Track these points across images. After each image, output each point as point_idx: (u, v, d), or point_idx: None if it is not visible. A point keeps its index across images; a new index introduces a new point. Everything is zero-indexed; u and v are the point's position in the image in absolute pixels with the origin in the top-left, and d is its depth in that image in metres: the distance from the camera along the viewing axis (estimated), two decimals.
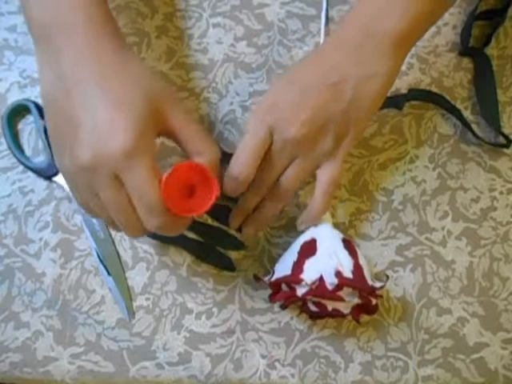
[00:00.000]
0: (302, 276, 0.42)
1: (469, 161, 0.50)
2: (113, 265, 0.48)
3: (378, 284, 0.43)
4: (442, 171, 0.50)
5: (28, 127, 0.51)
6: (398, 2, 0.41)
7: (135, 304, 0.48)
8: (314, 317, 0.46)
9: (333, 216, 0.48)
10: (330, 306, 0.43)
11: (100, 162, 0.34)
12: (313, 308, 0.44)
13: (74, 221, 0.49)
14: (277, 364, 0.47)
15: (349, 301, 0.42)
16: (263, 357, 0.47)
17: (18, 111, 0.51)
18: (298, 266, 0.43)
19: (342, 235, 0.45)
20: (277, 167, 0.43)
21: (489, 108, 0.50)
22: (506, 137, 0.49)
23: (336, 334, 0.47)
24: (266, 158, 0.43)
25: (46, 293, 0.48)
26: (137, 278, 0.48)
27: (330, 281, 0.41)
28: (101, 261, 0.48)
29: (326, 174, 0.43)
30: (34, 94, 0.52)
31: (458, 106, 0.51)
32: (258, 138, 0.42)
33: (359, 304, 0.43)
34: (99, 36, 0.37)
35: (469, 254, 0.48)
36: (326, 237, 0.45)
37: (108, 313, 0.48)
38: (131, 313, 0.47)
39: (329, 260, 0.42)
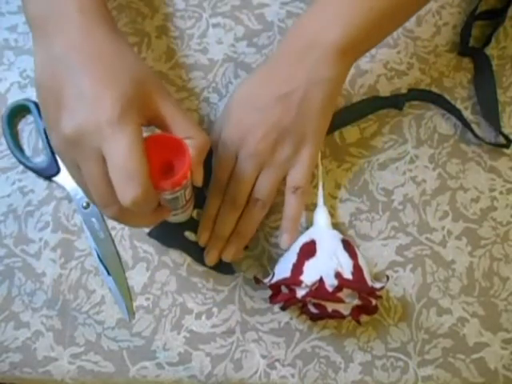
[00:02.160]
0: (302, 278, 0.42)
1: (469, 161, 0.50)
2: (113, 265, 0.48)
3: (377, 285, 0.43)
4: (442, 171, 0.50)
5: (28, 127, 0.51)
6: (342, 16, 0.43)
7: (135, 304, 0.48)
8: (314, 318, 0.46)
9: (333, 216, 0.48)
10: (330, 307, 0.43)
11: (83, 132, 0.35)
12: (313, 309, 0.44)
13: (73, 221, 0.49)
14: (277, 364, 0.47)
15: (349, 302, 0.42)
16: (263, 357, 0.47)
17: (18, 111, 0.51)
18: (297, 268, 0.43)
19: (341, 236, 0.45)
20: (245, 180, 0.45)
21: (489, 108, 0.50)
22: (506, 137, 0.49)
23: (336, 334, 0.47)
24: (234, 176, 0.46)
25: (46, 293, 0.48)
26: (137, 277, 0.48)
27: (330, 282, 0.41)
28: (101, 261, 0.48)
29: (290, 179, 0.46)
30: (34, 93, 0.52)
31: (458, 106, 0.51)
32: (225, 160, 0.46)
33: (359, 305, 0.43)
34: (91, 22, 0.38)
35: (469, 253, 0.48)
36: (326, 238, 0.45)
37: (108, 313, 0.48)
38: (131, 313, 0.47)
39: (328, 261, 0.42)
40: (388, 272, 0.48)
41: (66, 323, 0.48)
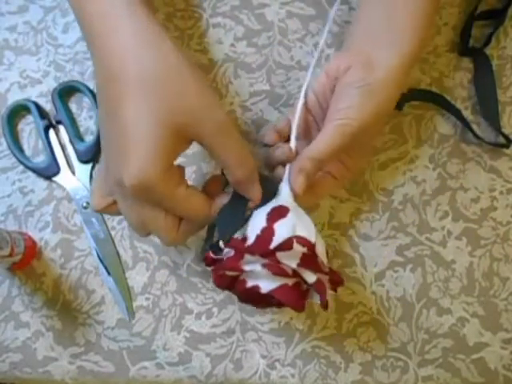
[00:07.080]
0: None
1: (469, 161, 0.50)
2: (113, 265, 0.48)
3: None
4: (442, 171, 0.50)
5: (28, 127, 0.51)
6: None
7: (135, 304, 0.48)
8: (263, 303, 0.40)
9: (333, 216, 0.48)
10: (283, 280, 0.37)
11: (132, 193, 0.35)
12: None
13: (73, 221, 0.49)
14: (277, 364, 0.47)
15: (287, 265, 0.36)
16: (263, 357, 0.47)
17: (18, 111, 0.51)
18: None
19: (280, 203, 0.39)
20: None
21: (489, 108, 0.50)
22: (506, 137, 0.49)
23: (336, 334, 0.47)
24: None
25: (46, 293, 0.48)
26: (137, 277, 0.48)
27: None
28: (101, 261, 0.48)
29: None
30: (34, 94, 0.52)
31: (458, 106, 0.51)
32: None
33: (320, 279, 0.37)
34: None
35: (469, 254, 0.48)
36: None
37: (108, 313, 0.48)
38: (131, 313, 0.47)
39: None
40: (388, 272, 0.48)
41: (65, 323, 0.48)
